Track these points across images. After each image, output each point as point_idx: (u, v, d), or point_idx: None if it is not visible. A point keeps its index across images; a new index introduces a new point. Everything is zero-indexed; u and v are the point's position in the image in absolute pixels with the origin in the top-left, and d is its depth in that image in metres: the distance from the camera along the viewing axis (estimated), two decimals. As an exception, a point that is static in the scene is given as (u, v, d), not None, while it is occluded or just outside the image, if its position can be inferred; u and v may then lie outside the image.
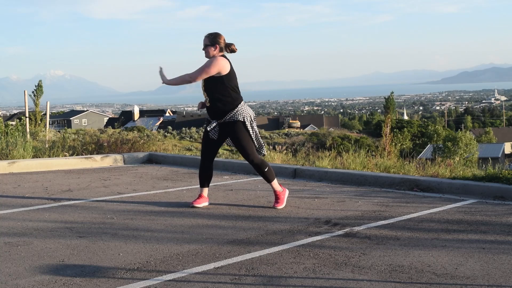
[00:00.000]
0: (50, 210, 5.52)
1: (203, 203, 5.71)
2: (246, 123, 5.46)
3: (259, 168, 5.56)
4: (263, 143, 5.68)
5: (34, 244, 4.22)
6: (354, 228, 4.72)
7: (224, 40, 5.47)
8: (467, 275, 3.47)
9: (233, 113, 5.43)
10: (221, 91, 5.40)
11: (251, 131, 5.50)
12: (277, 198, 5.64)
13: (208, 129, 5.55)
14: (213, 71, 5.34)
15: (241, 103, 5.48)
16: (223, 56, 5.47)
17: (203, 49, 5.47)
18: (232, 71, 5.44)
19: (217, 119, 5.50)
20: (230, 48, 5.50)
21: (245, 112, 5.47)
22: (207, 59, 5.45)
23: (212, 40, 5.43)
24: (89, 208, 5.62)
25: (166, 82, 5.54)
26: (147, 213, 5.36)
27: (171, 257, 3.88)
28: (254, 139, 5.53)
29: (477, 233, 4.55)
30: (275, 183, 5.64)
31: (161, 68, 5.62)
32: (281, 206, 5.61)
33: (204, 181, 5.73)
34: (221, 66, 5.35)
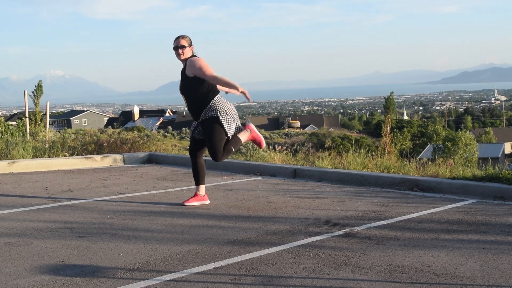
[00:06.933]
0: (50, 210, 5.52)
1: (193, 203, 5.72)
2: (220, 117, 5.47)
3: (202, 168, 5.71)
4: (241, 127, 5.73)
5: (34, 244, 4.22)
6: (354, 228, 4.72)
7: None
8: (467, 275, 3.47)
9: (207, 109, 5.48)
10: (200, 90, 5.46)
11: (225, 125, 5.48)
12: (193, 196, 5.72)
13: (191, 130, 5.72)
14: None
15: (215, 98, 5.50)
16: (195, 55, 5.59)
17: (179, 50, 5.51)
18: None
19: (196, 119, 5.61)
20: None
21: (218, 106, 5.49)
22: (181, 60, 5.56)
23: (190, 41, 5.59)
24: (89, 208, 5.62)
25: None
26: (147, 213, 5.36)
27: (171, 257, 3.88)
28: (228, 130, 5.51)
29: (477, 233, 4.55)
30: (203, 187, 5.76)
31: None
32: (189, 203, 5.65)
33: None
34: None
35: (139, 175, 8.14)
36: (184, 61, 5.56)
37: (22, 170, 8.59)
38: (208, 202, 5.80)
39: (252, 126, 5.83)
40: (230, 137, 5.57)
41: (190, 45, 5.58)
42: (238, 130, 5.72)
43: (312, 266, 3.67)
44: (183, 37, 5.56)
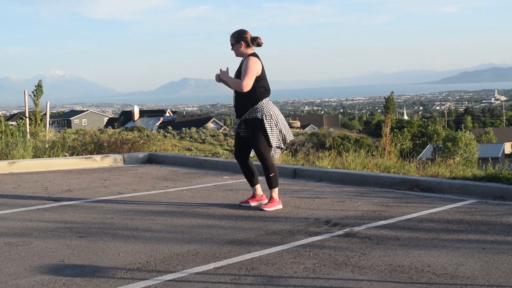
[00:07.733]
0: (50, 210, 5.52)
1: (255, 203, 5.67)
2: (265, 121, 5.42)
3: (267, 171, 5.52)
4: (281, 144, 5.58)
5: (34, 244, 4.22)
6: (354, 228, 4.72)
7: (250, 35, 5.49)
8: (467, 275, 3.47)
9: (252, 109, 5.42)
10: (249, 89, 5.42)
11: (268, 130, 5.43)
12: (269, 201, 5.57)
13: (235, 128, 5.64)
14: (256, 73, 5.37)
15: (264, 101, 5.45)
16: (254, 54, 5.48)
17: (232, 49, 5.52)
18: (263, 70, 5.46)
19: (239, 117, 5.54)
20: (256, 42, 5.49)
21: (265, 109, 5.44)
22: (241, 58, 5.50)
23: (237, 37, 5.46)
24: (89, 208, 5.62)
25: (225, 77, 5.48)
26: (147, 213, 5.36)
27: (171, 257, 3.88)
28: (270, 137, 5.46)
29: (477, 233, 4.55)
30: (275, 191, 5.58)
31: (227, 68, 5.58)
32: (268, 208, 5.48)
33: (250, 180, 5.71)
34: (258, 68, 5.39)
35: (139, 175, 8.14)
36: (242, 58, 5.50)
37: (22, 170, 8.59)
38: (280, 205, 5.65)
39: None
40: (272, 144, 5.49)
41: (239, 41, 5.44)
42: (283, 140, 5.59)
43: (312, 266, 3.67)
44: (231, 34, 5.48)
